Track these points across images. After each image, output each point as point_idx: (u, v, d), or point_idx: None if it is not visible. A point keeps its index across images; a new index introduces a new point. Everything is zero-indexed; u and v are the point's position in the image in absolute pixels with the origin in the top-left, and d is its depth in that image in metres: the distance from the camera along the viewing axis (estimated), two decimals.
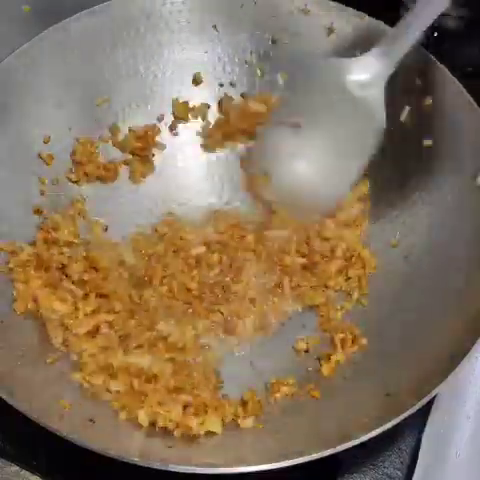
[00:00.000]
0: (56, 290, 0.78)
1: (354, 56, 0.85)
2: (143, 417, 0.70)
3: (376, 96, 0.78)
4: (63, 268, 0.80)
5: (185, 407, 0.71)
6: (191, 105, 0.92)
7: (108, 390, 0.72)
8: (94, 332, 0.76)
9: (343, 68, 0.79)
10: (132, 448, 0.64)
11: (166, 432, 0.69)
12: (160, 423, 0.69)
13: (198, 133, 0.92)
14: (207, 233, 0.85)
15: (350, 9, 0.87)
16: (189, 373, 0.75)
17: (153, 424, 0.70)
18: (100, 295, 0.78)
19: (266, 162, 0.85)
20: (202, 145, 0.92)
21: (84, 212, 0.86)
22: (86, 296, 0.78)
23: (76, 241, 0.82)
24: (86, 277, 0.79)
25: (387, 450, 0.75)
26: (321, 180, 0.82)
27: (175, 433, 0.68)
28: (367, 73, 0.78)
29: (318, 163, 0.82)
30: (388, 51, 0.77)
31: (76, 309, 0.77)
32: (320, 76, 0.81)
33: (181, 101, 0.91)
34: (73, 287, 0.78)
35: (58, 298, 0.77)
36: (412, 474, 0.72)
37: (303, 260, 0.83)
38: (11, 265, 0.78)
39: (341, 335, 0.77)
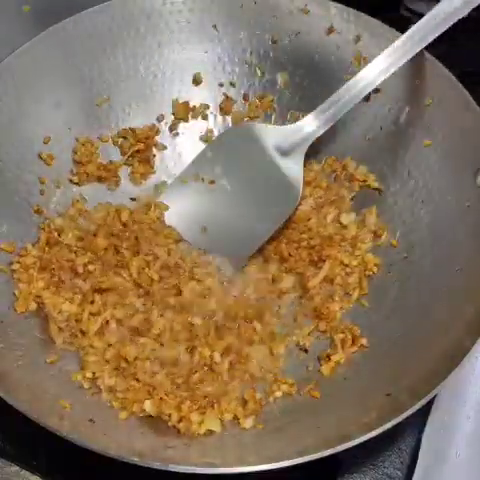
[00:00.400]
0: (62, 290, 0.79)
1: (354, 56, 0.86)
2: (150, 407, 0.71)
3: (295, 164, 0.81)
4: (73, 266, 0.80)
5: (187, 400, 0.72)
6: (191, 105, 0.92)
7: (111, 389, 0.73)
8: (104, 328, 0.77)
9: (267, 134, 0.82)
10: (132, 448, 0.64)
11: (166, 432, 0.70)
12: (166, 411, 0.70)
13: (201, 138, 0.93)
14: None
15: (350, 9, 0.86)
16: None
17: (157, 416, 0.70)
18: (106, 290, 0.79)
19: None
20: None
21: (84, 212, 0.86)
22: (99, 292, 0.78)
23: (80, 244, 0.82)
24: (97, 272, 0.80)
25: (387, 450, 0.75)
26: (230, 240, 0.83)
27: (178, 427, 0.69)
28: (288, 141, 0.81)
29: (228, 224, 0.84)
30: (315, 119, 0.81)
31: (89, 307, 0.77)
32: (245, 139, 0.83)
33: (181, 101, 0.91)
34: (82, 283, 0.79)
35: (66, 298, 0.78)
36: (412, 474, 0.72)
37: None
38: (14, 267, 0.78)
39: (341, 335, 0.78)
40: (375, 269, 0.82)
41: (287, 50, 0.89)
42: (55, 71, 0.84)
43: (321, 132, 0.82)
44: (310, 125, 0.81)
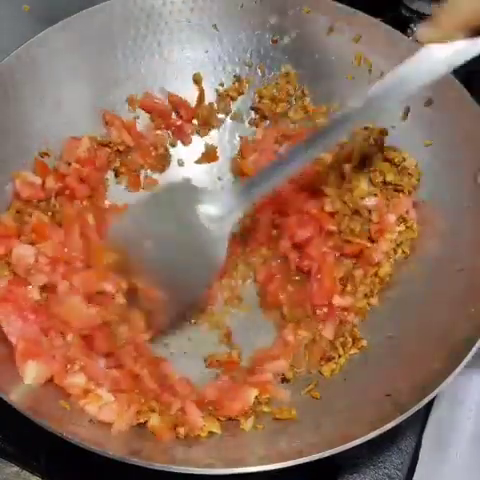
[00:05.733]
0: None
1: (354, 56, 0.86)
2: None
3: (222, 232, 0.74)
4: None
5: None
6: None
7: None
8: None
9: (198, 198, 0.75)
10: (132, 449, 0.64)
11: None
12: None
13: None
14: None
15: (350, 9, 0.86)
16: None
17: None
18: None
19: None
20: None
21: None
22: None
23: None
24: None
25: (387, 450, 0.75)
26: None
27: (179, 430, 0.69)
28: (219, 208, 0.74)
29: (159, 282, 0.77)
30: (244, 193, 0.74)
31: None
32: (176, 198, 0.77)
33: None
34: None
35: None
36: (412, 474, 0.72)
37: None
38: None
39: (341, 338, 0.78)
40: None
41: (287, 50, 0.89)
42: (55, 71, 0.84)
43: (240, 212, 0.75)
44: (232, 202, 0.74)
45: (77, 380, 0.70)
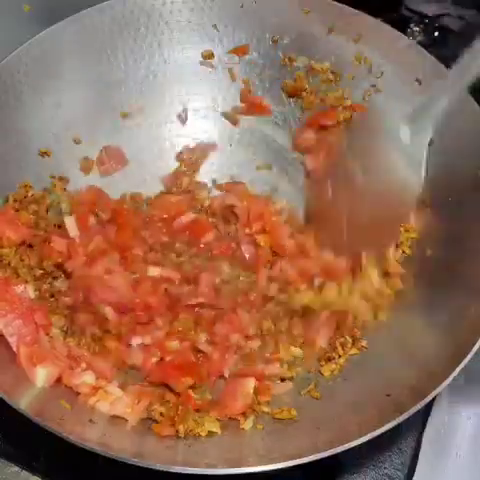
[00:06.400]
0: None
1: (354, 56, 0.86)
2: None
3: (420, 150, 0.77)
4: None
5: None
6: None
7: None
8: None
9: (398, 119, 0.78)
10: (133, 449, 0.64)
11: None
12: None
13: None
14: None
15: (350, 9, 0.86)
16: None
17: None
18: None
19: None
20: None
21: None
22: None
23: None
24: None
25: (387, 450, 0.75)
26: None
27: (179, 428, 0.69)
28: (417, 125, 0.76)
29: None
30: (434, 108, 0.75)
31: None
32: (378, 123, 0.81)
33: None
34: None
35: None
36: (412, 474, 0.72)
37: None
38: None
39: (341, 338, 0.77)
40: None
41: (287, 50, 0.89)
42: (55, 71, 0.84)
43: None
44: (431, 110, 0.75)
45: (86, 379, 0.71)
